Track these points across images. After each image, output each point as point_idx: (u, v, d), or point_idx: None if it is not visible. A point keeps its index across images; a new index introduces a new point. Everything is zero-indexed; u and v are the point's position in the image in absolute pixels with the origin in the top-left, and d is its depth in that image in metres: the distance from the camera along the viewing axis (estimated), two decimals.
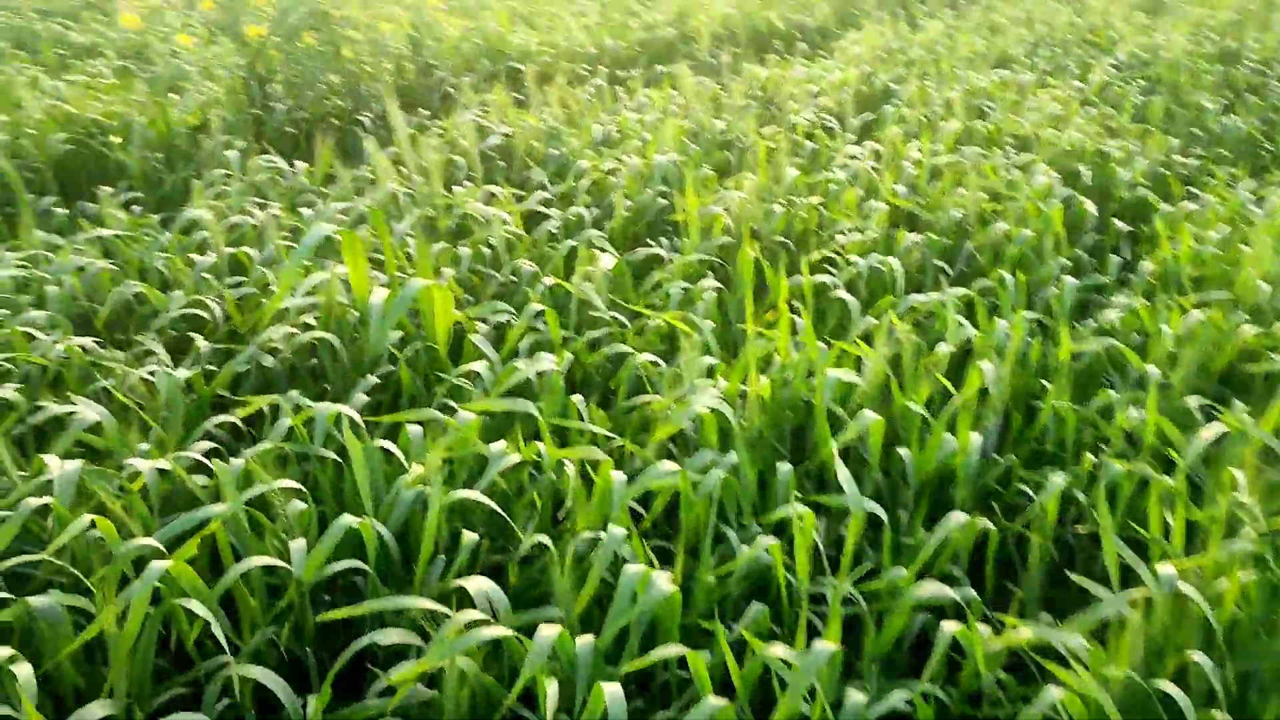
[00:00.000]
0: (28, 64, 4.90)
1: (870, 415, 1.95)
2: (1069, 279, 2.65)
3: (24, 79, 3.89)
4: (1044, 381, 2.31)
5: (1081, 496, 1.99)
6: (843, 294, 2.48)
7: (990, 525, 1.83)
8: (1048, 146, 3.74)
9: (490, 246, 2.74)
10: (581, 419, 2.06)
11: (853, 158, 3.45)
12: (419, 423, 1.91)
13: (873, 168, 3.33)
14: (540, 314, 2.35)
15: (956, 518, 1.76)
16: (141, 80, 4.11)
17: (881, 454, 2.08)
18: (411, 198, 2.93)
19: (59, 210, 3.06)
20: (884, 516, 1.77)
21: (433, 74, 4.46)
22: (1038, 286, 2.80)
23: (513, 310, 2.43)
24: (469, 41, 4.78)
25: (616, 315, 2.42)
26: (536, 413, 1.77)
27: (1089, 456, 2.00)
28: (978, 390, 2.13)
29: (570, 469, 1.70)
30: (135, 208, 3.09)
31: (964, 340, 2.39)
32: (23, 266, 2.61)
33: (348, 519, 1.59)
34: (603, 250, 2.67)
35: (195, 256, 2.57)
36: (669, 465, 1.74)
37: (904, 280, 2.69)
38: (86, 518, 1.49)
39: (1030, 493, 2.03)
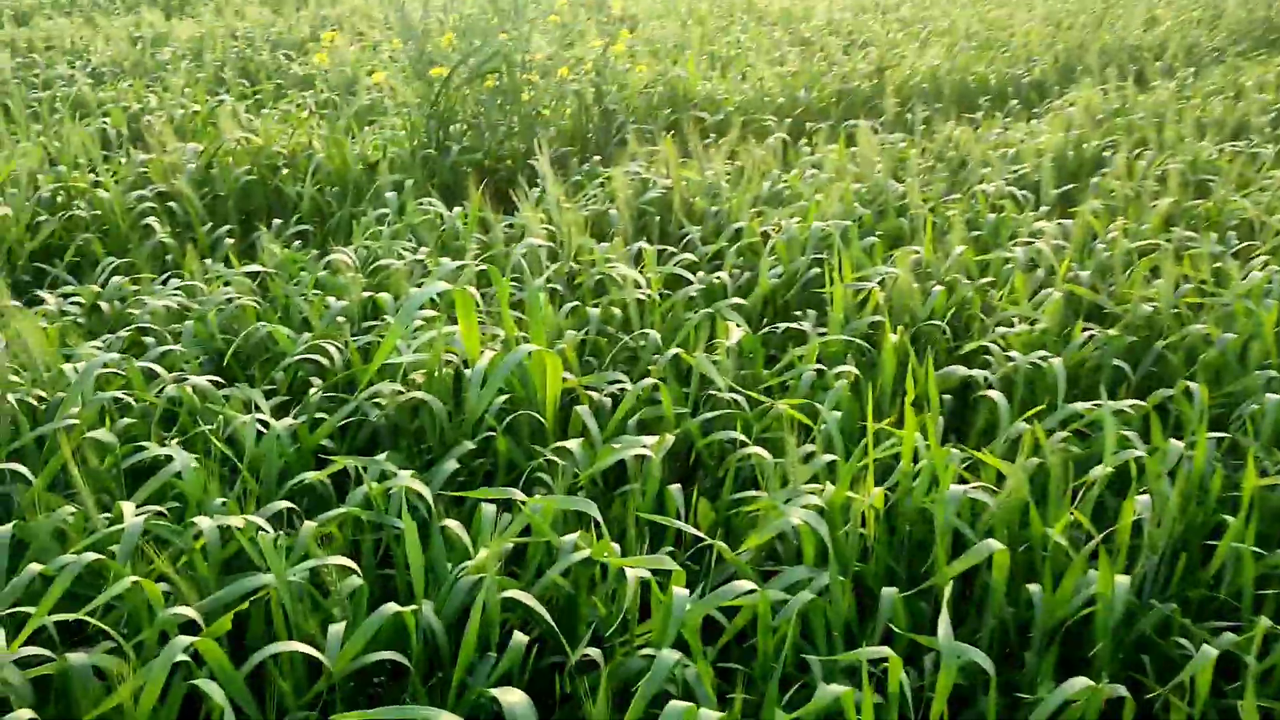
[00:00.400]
0: (246, 93, 5.20)
1: (993, 544, 1.71)
2: (1272, 396, 2.30)
3: (227, 109, 4.10)
4: (1227, 517, 1.99)
5: (1252, 662, 1.68)
6: (993, 393, 2.23)
7: (1125, 692, 1.56)
8: (1275, 235, 3.32)
9: (622, 309, 2.63)
10: (679, 512, 1.91)
11: (1036, 235, 3.16)
12: (497, 501, 1.81)
13: (1058, 247, 3.03)
14: (659, 386, 2.22)
15: (1077, 683, 1.50)
16: (335, 115, 4.26)
17: (1010, 588, 1.83)
18: (554, 252, 2.87)
19: (231, 241, 3.17)
20: (990, 669, 1.53)
21: (613, 120, 4.42)
22: (1233, 403, 2.45)
23: (630, 380, 2.31)
24: (653, 89, 4.73)
25: (738, 396, 2.25)
26: (595, 514, 1.63)
27: (1264, 620, 1.69)
28: (1133, 522, 1.85)
29: (631, 577, 1.56)
30: (296, 242, 3.16)
31: (1129, 461, 2.09)
32: (177, 296, 2.69)
33: (390, 608, 1.50)
34: (739, 321, 2.51)
35: (331, 299, 2.58)
36: (743, 584, 1.57)
37: (1071, 383, 2.41)
38: (130, 579, 1.46)
39: (1192, 649, 1.73)
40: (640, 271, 2.79)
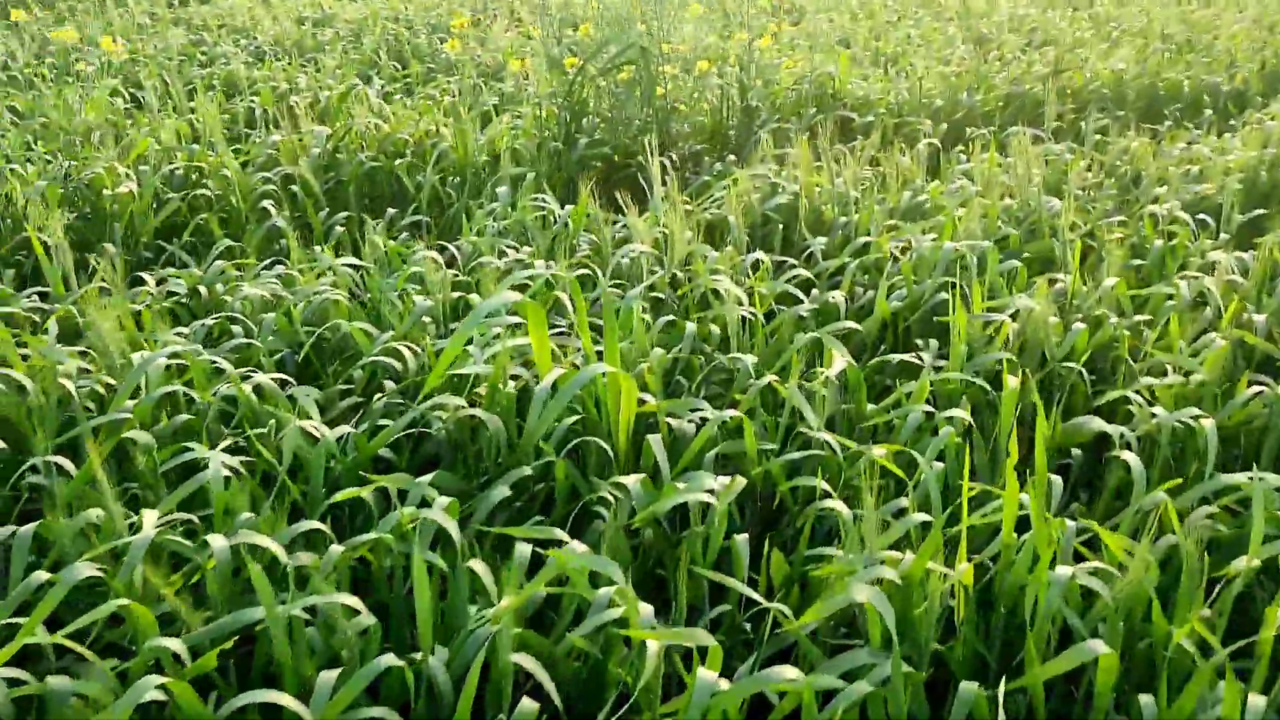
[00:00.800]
0: (396, 76, 5.21)
1: (1098, 647, 1.45)
2: None
3: (360, 92, 4.08)
4: None
5: None
6: (1128, 455, 1.94)
7: None
8: None
9: (722, 326, 2.43)
10: (743, 569, 1.72)
11: (1208, 268, 2.79)
12: (540, 541, 1.65)
13: (1233, 283, 2.66)
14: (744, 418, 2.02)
15: None
16: (473, 102, 4.19)
17: (1119, 692, 1.56)
18: (659, 260, 2.69)
19: (343, 229, 3.12)
20: None
21: (755, 117, 4.20)
22: None
23: (721, 408, 2.12)
24: (800, 85, 4.48)
25: (830, 437, 2.03)
26: (618, 575, 1.45)
27: None
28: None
29: (653, 650, 1.37)
30: (404, 235, 3.09)
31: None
32: (273, 285, 2.65)
33: (387, 660, 1.36)
34: (842, 350, 2.28)
35: (419, 298, 2.48)
36: (786, 671, 1.36)
37: (1226, 447, 2.08)
38: (116, 602, 1.37)
39: None
40: (750, 285, 2.59)
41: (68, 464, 1.78)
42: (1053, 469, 2.16)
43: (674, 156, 3.85)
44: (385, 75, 5.22)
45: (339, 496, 1.69)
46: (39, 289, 2.67)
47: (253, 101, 4.40)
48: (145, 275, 2.67)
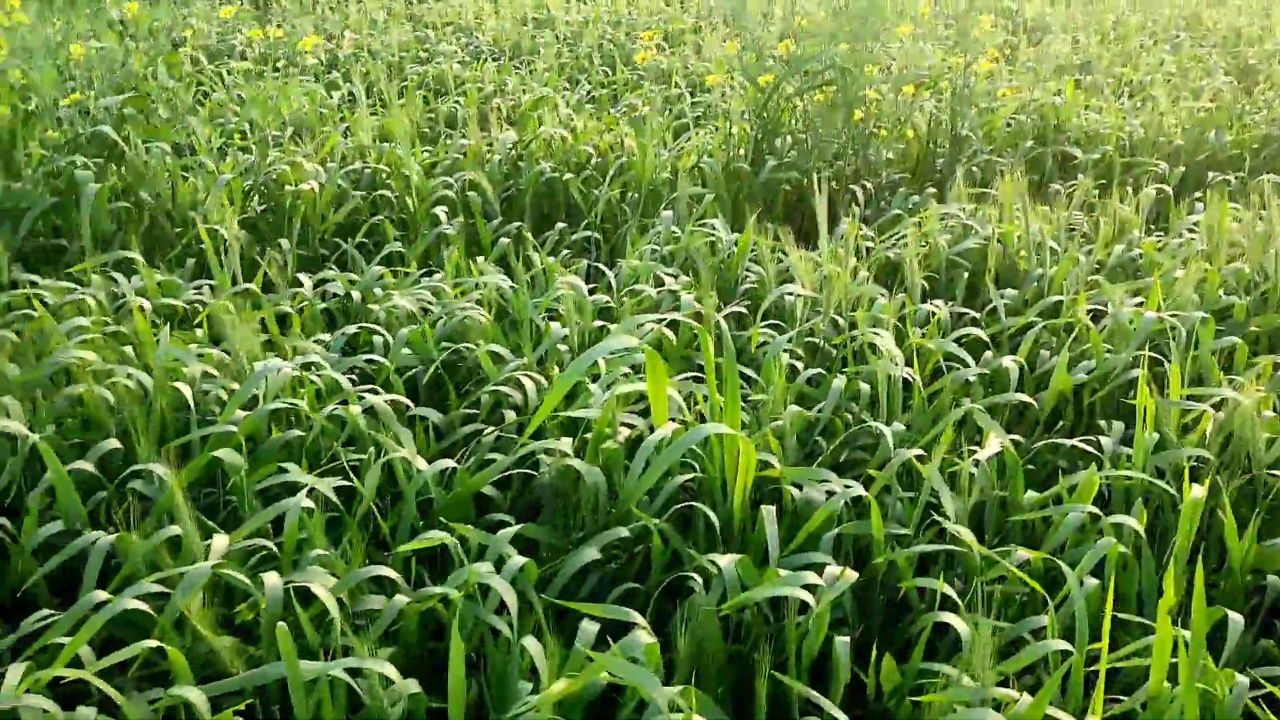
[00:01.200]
0: (604, 83, 5.18)
1: None
2: None
3: (551, 100, 4.05)
4: None
5: None
6: None
7: None
8: None
9: (872, 385, 2.21)
10: (843, 676, 1.52)
11: None
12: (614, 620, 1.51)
13: None
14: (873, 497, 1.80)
15: None
16: (669, 114, 4.08)
17: None
18: (816, 306, 2.49)
19: (507, 241, 3.07)
20: None
21: (964, 148, 3.89)
22: None
23: (853, 478, 1.91)
24: (1020, 115, 4.12)
25: (969, 535, 1.78)
26: (658, 694, 1.27)
27: None
28: None
29: None
30: (565, 252, 3.00)
31: None
32: (422, 296, 2.62)
33: None
34: (998, 428, 2.02)
35: (555, 325, 2.38)
36: None
37: None
38: (144, 644, 1.32)
39: None
40: (914, 342, 2.35)
41: (166, 473, 1.77)
42: (1245, 595, 1.83)
43: (867, 185, 3.61)
44: (594, 81, 5.19)
45: (413, 545, 1.61)
46: (210, 282, 2.75)
47: (456, 103, 4.45)
48: (302, 277, 2.69)
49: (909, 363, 2.29)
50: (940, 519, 1.80)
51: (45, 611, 1.52)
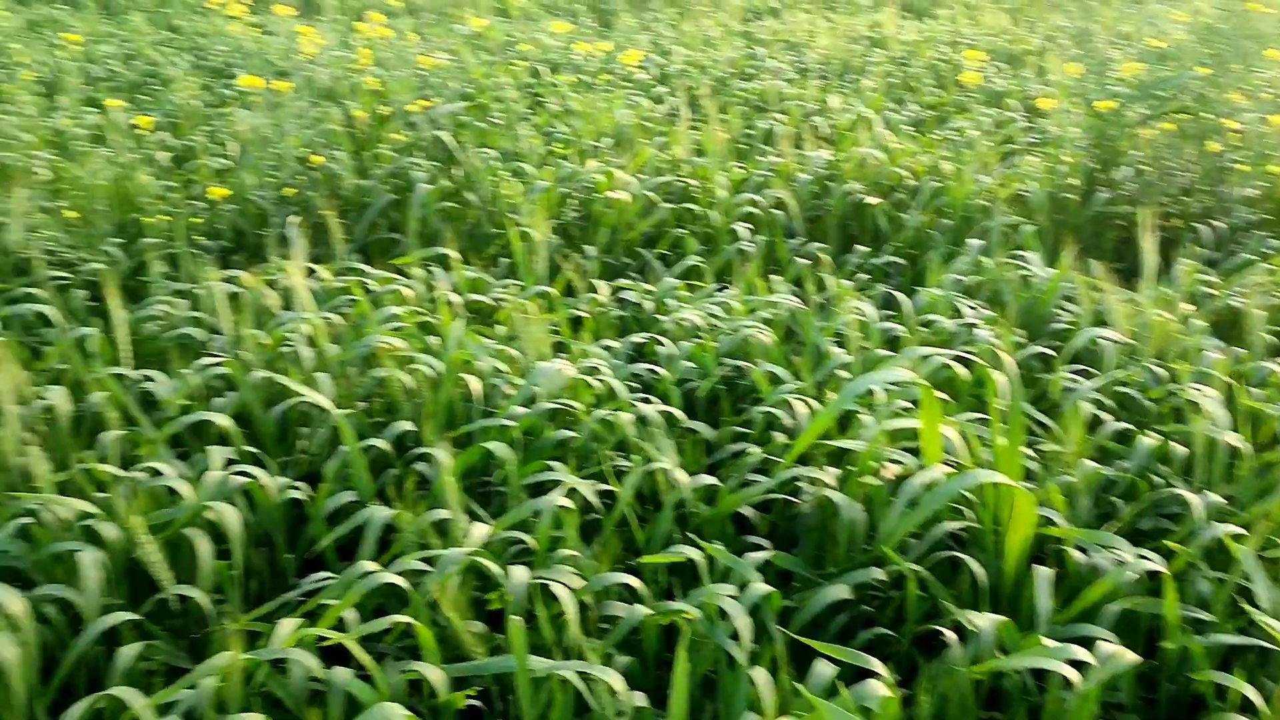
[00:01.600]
0: (934, 104, 5.00)
1: None
2: None
3: (867, 119, 3.94)
4: None
5: None
6: None
7: None
8: None
9: (1188, 446, 1.97)
10: None
11: None
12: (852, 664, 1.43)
13: None
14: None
15: None
16: (990, 138, 3.87)
17: None
18: (1135, 354, 2.25)
19: (804, 261, 3.02)
20: None
21: None
22: None
23: (1148, 548, 1.71)
24: None
25: None
26: None
27: None
28: None
29: None
30: (864, 275, 2.91)
31: None
32: (713, 310, 2.62)
33: None
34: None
35: (838, 351, 2.31)
36: None
37: None
38: (394, 618, 1.39)
39: None
40: (1246, 402, 2.08)
41: (444, 457, 1.87)
42: None
43: (1217, 225, 3.24)
44: (923, 102, 5.02)
45: (658, 558, 1.60)
46: (518, 282, 2.89)
47: (775, 119, 4.44)
48: (602, 283, 2.77)
49: (1236, 427, 2.02)
50: (1250, 609, 1.57)
51: (324, 574, 1.65)
